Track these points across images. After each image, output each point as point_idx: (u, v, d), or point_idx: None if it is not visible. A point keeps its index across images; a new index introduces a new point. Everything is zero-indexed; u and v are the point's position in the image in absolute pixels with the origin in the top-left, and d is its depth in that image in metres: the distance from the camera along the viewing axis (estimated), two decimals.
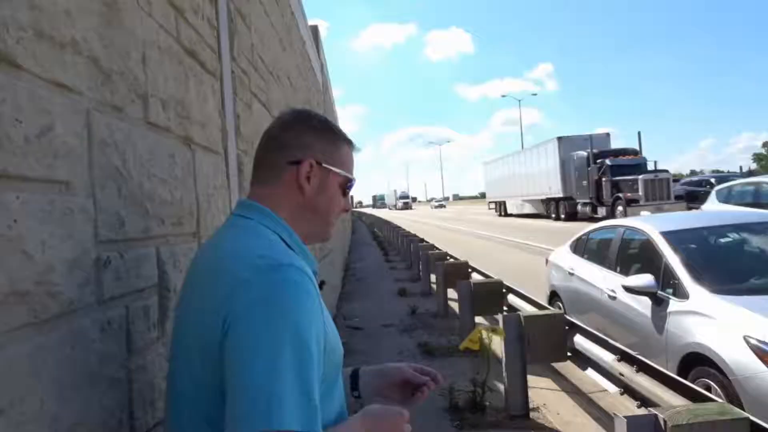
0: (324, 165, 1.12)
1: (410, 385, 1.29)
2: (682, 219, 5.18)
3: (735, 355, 3.13)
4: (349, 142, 1.20)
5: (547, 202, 28.26)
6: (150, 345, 1.32)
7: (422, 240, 12.71)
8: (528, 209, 31.66)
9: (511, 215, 34.36)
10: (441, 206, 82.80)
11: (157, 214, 1.40)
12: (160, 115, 1.46)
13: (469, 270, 7.78)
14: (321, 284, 1.10)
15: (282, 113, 1.22)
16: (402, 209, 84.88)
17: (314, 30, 8.30)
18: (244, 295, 0.91)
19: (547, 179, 27.21)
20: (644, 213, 6.09)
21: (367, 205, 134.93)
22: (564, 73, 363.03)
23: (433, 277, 8.89)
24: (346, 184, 1.16)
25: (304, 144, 1.12)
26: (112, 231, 1.14)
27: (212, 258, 1.06)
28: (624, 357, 3.22)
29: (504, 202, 35.81)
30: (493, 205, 39.81)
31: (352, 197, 1.36)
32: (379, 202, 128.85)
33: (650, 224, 4.75)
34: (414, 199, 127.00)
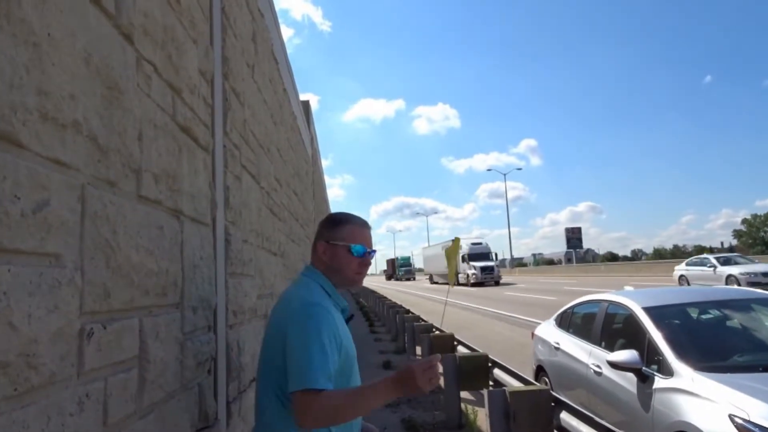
0: (330, 242, 1.80)
1: None
2: (664, 294, 5.23)
3: None
4: (352, 222, 1.84)
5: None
6: (126, 418, 1.30)
7: (408, 311, 12.60)
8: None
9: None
10: (408, 278, 71.48)
11: (143, 284, 1.42)
12: (152, 188, 1.51)
13: (455, 343, 7.69)
14: (349, 318, 1.88)
15: (332, 216, 1.92)
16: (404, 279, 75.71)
17: (305, 105, 8.60)
18: (294, 318, 1.61)
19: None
20: (628, 287, 6.14)
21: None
22: (547, 149, 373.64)
23: (418, 349, 8.75)
24: (348, 248, 1.79)
25: (318, 234, 1.84)
26: (97, 302, 1.16)
27: (282, 298, 1.78)
28: None
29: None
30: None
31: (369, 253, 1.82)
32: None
33: (633, 299, 4.79)
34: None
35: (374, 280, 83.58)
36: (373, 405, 1.57)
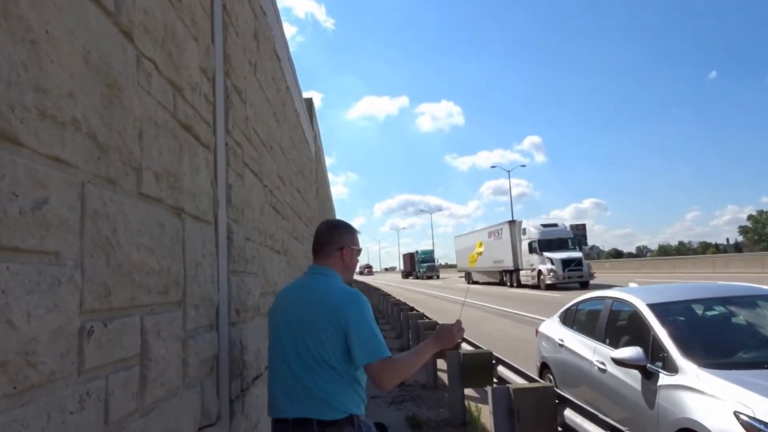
0: (352, 247, 2.20)
1: None
2: (669, 291, 5.20)
3: (727, 431, 3.07)
4: (357, 231, 2.28)
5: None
6: (128, 416, 1.30)
7: (412, 308, 12.60)
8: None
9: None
10: (430, 276, 62.82)
11: (144, 283, 1.41)
12: (153, 186, 1.51)
13: (459, 340, 7.68)
14: None
15: (326, 222, 2.30)
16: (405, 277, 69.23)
17: (309, 102, 8.59)
18: (351, 307, 1.94)
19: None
20: (632, 284, 6.12)
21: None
22: (552, 146, 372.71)
23: None
24: (359, 251, 2.26)
25: (339, 240, 2.17)
26: (97, 300, 1.16)
27: (310, 292, 2.05)
28: None
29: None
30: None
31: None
32: (365, 269, 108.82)
33: (638, 296, 4.77)
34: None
35: (387, 278, 77.61)
36: (423, 360, 2.11)
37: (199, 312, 1.89)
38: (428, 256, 65.43)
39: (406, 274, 70.43)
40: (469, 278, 39.07)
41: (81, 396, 1.07)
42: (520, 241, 29.09)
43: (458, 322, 2.19)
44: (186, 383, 1.72)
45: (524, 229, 29.23)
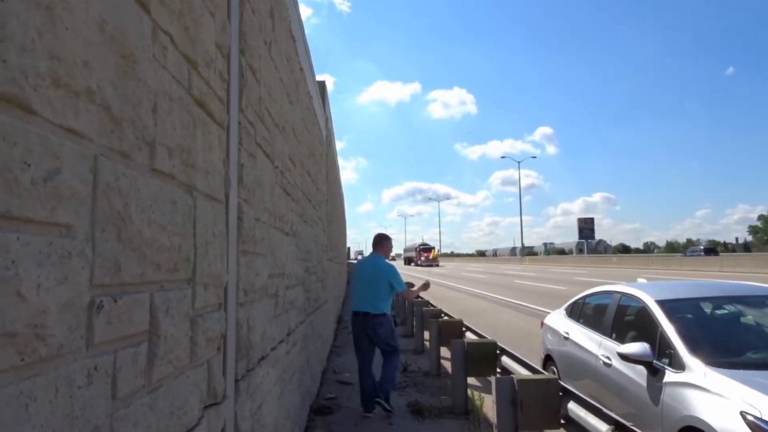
0: (386, 248, 6.25)
1: None
2: (678, 288, 5.15)
3: (732, 430, 3.05)
4: (391, 238, 6.44)
5: None
6: (135, 392, 1.29)
7: (417, 296, 12.60)
8: None
9: None
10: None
11: (155, 259, 1.40)
12: (166, 162, 1.49)
13: (463, 329, 7.68)
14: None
15: (380, 234, 6.34)
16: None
17: (321, 85, 8.53)
18: (392, 270, 5.85)
19: None
20: (641, 280, 6.07)
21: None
22: (564, 138, 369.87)
23: (426, 334, 8.76)
24: (390, 249, 6.35)
25: (389, 243, 6.28)
26: (107, 275, 1.15)
27: (376, 263, 5.94)
28: (618, 428, 3.14)
29: None
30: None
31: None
32: (359, 256, 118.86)
33: (646, 292, 4.74)
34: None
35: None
36: (414, 295, 7.17)
37: (208, 291, 1.88)
38: (427, 247, 78.55)
39: (408, 260, 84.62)
40: None
41: (89, 371, 1.06)
42: None
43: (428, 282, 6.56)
44: (193, 361, 1.71)
45: None
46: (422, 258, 71.10)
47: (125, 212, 1.23)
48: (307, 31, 5.70)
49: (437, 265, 65.20)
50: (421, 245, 78.58)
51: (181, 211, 1.61)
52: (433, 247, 76.60)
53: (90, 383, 1.07)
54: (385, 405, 5.53)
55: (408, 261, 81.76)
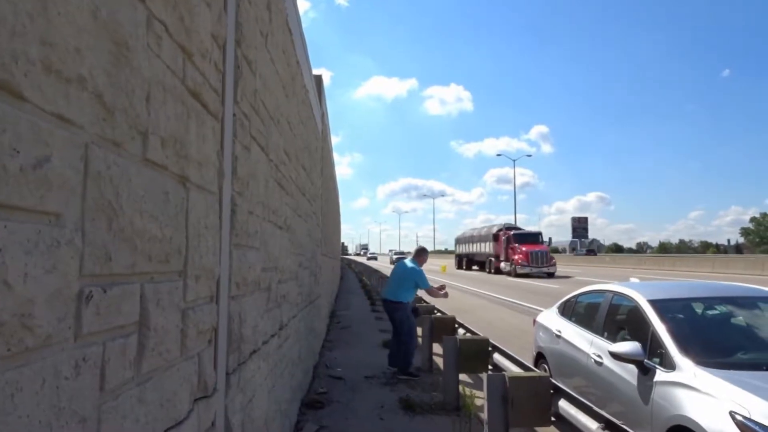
0: (422, 258, 7.96)
1: None
2: (670, 288, 5.18)
3: (721, 430, 3.07)
4: (427, 250, 8.44)
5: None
6: (124, 384, 1.28)
7: (443, 295, 12.58)
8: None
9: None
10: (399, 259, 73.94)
11: (146, 250, 1.39)
12: (159, 152, 1.47)
13: (456, 326, 7.70)
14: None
15: (420, 246, 8.42)
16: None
17: (318, 80, 8.50)
18: (418, 273, 7.49)
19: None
20: (633, 279, 6.09)
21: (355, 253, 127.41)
22: (559, 136, 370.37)
23: (419, 330, 8.77)
24: (425, 260, 8.01)
25: (426, 255, 8.08)
26: (97, 265, 1.13)
27: (407, 267, 7.62)
28: (609, 426, 3.16)
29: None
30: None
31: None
32: (362, 251, 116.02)
33: (638, 291, 4.76)
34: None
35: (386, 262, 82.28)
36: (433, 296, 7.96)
37: (200, 283, 1.86)
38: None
39: (470, 263, 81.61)
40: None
41: (77, 361, 1.05)
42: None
43: (443, 286, 7.98)
44: (184, 354, 1.70)
45: None
46: (517, 256, 34.05)
47: (116, 202, 1.21)
48: (304, 25, 5.67)
49: (553, 273, 32.71)
50: (507, 227, 40.27)
51: (174, 202, 1.59)
52: (540, 234, 36.84)
53: (78, 374, 1.05)
54: (389, 371, 7.29)
55: (470, 263, 47.24)
